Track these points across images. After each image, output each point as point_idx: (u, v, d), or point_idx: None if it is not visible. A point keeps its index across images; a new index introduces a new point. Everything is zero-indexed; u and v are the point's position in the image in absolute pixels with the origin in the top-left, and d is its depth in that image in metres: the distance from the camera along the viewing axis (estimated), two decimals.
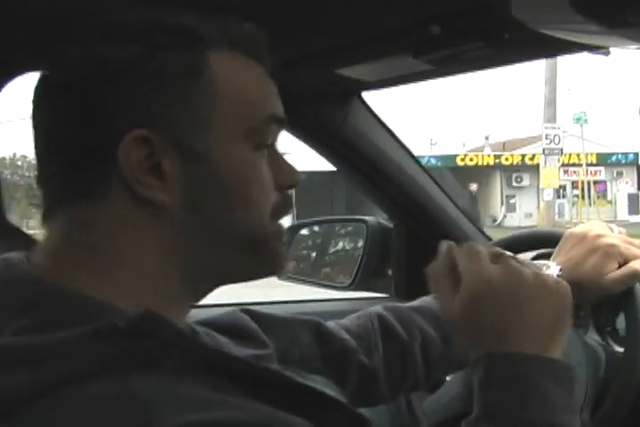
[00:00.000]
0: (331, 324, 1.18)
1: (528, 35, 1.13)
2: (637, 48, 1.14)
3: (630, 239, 1.26)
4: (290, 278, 2.05)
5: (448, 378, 1.64)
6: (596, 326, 1.56)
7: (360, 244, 2.03)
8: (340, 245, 2.17)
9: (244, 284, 0.87)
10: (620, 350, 1.52)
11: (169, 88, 0.76)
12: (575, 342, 1.45)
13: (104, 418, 0.63)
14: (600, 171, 30.06)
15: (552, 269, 1.23)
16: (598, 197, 29.39)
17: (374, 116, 1.75)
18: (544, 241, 1.47)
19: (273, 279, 1.07)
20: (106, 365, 0.66)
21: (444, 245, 0.93)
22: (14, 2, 1.16)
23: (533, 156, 26.29)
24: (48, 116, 0.79)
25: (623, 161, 30.37)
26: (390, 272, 2.04)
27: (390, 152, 1.79)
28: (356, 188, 1.91)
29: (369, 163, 1.78)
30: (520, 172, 28.13)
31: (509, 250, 1.52)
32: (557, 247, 1.30)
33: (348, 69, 1.43)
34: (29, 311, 0.71)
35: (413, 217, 1.92)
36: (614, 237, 1.25)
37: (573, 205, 27.59)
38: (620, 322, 1.55)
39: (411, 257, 1.99)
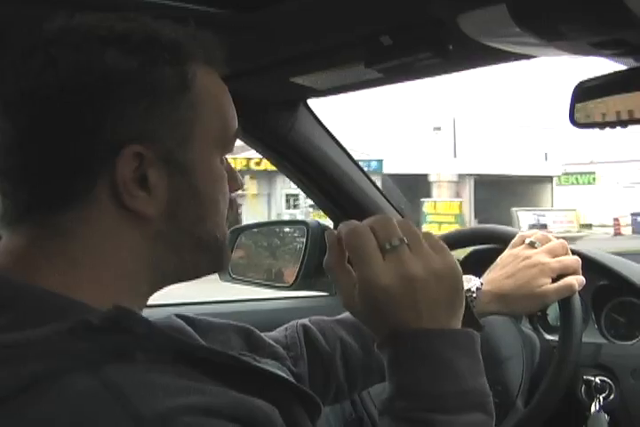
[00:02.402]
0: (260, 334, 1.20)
1: (471, 46, 1.23)
2: (569, 58, 1.26)
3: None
4: (233, 280, 2.09)
5: None
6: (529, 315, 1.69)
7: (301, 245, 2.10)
8: (282, 246, 2.23)
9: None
10: (550, 337, 1.64)
11: (163, 103, 0.78)
12: (512, 330, 1.57)
13: (85, 409, 0.65)
14: None
15: (472, 282, 1.33)
16: None
17: (319, 122, 1.83)
18: (486, 238, 1.59)
19: None
20: (81, 360, 0.68)
21: (329, 236, 0.92)
22: None
23: (260, 160, 21.66)
24: (25, 119, 0.77)
25: (366, 168, 27.55)
26: None
27: (334, 157, 1.86)
28: (301, 190, 1.98)
29: (314, 167, 1.85)
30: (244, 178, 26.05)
31: (456, 245, 1.64)
32: (494, 264, 1.39)
33: (301, 78, 1.50)
34: (2, 311, 0.73)
35: (353, 217, 1.96)
36: (543, 253, 1.34)
37: (307, 216, 24.69)
38: (551, 311, 1.68)
39: None
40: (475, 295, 1.31)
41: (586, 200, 32.12)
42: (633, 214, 28.50)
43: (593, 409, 1.50)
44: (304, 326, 1.26)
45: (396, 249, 0.85)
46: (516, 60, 1.34)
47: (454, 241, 1.58)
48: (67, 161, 0.76)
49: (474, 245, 1.70)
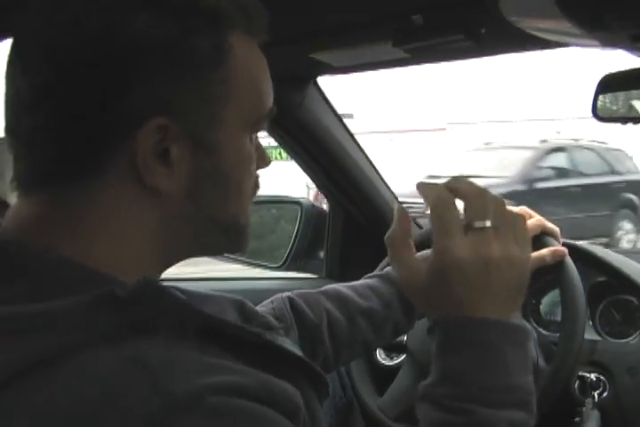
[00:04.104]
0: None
1: (504, 31, 1.20)
2: (603, 49, 1.24)
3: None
4: (222, 257, 2.05)
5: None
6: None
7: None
8: (274, 225, 2.20)
9: None
10: (545, 332, 1.63)
11: (194, 76, 0.73)
12: None
13: (113, 385, 0.63)
14: None
15: None
16: None
17: (328, 102, 1.79)
18: None
19: None
20: (104, 333, 0.65)
21: (397, 210, 0.90)
22: None
23: None
24: (43, 80, 0.71)
25: None
26: (322, 254, 2.08)
27: (339, 137, 1.83)
28: (301, 167, 1.93)
29: (318, 146, 1.82)
30: None
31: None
32: None
33: (321, 54, 1.45)
34: (15, 280, 0.70)
35: (352, 200, 1.96)
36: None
37: None
38: (544, 303, 1.67)
39: (345, 240, 2.04)
40: None
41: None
42: None
43: (586, 406, 1.49)
44: (290, 299, 1.24)
45: (482, 230, 0.84)
46: (546, 48, 1.32)
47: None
48: (84, 128, 0.71)
49: None
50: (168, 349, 0.67)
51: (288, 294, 1.26)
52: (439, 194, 0.85)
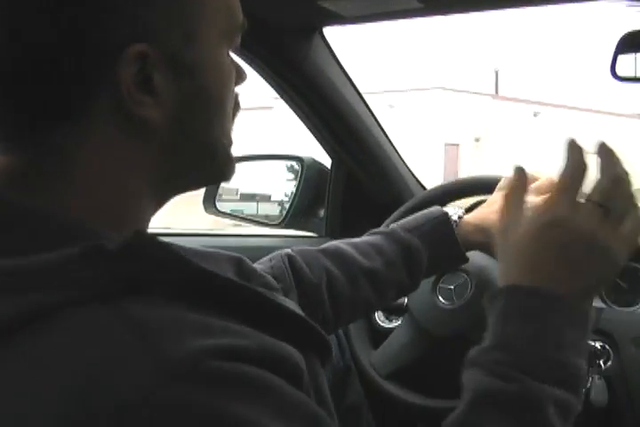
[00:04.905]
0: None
1: None
2: (629, 5, 1.18)
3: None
4: (219, 213, 2.00)
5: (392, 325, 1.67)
6: None
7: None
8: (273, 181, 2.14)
9: None
10: None
11: None
12: None
13: (103, 345, 0.59)
14: None
15: (455, 210, 1.32)
16: None
17: (333, 54, 1.73)
18: (471, 189, 1.56)
19: None
20: (95, 290, 0.61)
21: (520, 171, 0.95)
22: None
23: None
24: (5, 19, 0.66)
25: None
26: (322, 213, 2.03)
27: (344, 92, 1.77)
28: (304, 123, 1.86)
29: (323, 99, 1.75)
30: None
31: (446, 198, 1.57)
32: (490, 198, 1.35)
33: (330, 2, 1.38)
34: None
35: (355, 158, 1.91)
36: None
37: None
38: None
39: (346, 198, 1.99)
40: (456, 223, 1.29)
41: None
42: None
43: (592, 376, 1.45)
44: (289, 256, 1.21)
45: (594, 207, 0.86)
46: (573, 2, 1.24)
47: (436, 199, 1.53)
48: (58, 66, 0.67)
49: (457, 199, 1.63)
50: (163, 307, 0.62)
51: (287, 251, 1.22)
52: (583, 159, 0.87)
